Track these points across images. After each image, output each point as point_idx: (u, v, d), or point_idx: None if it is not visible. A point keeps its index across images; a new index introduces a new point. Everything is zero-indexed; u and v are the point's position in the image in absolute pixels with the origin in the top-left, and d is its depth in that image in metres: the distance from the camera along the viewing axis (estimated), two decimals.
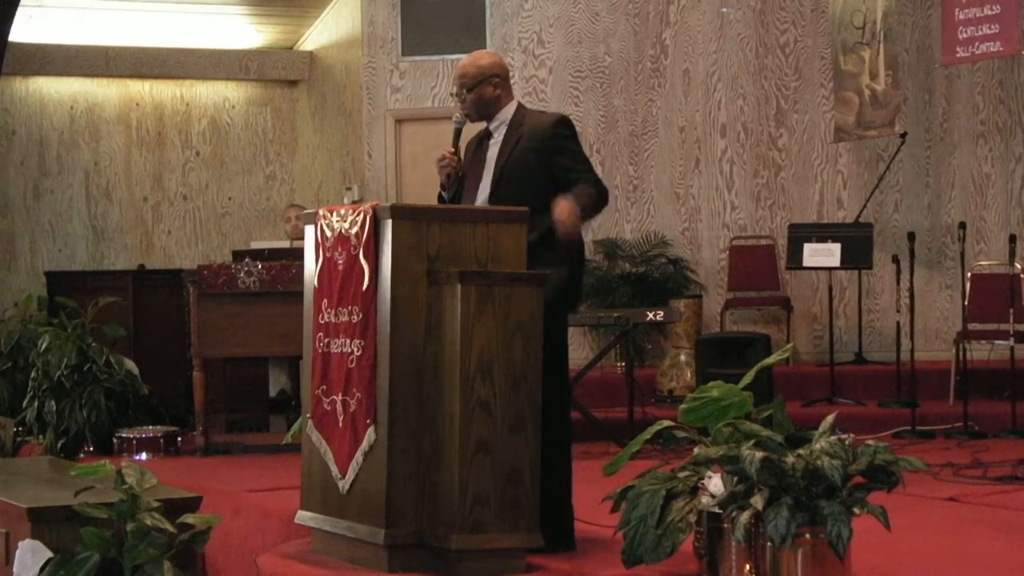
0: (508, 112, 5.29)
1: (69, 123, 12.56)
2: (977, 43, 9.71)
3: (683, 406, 4.47)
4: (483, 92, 5.24)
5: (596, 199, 5.17)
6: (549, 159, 5.17)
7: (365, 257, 4.86)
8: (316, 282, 5.17)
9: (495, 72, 5.27)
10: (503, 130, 5.28)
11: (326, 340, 5.08)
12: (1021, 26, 9.60)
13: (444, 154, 5.27)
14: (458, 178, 5.27)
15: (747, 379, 4.48)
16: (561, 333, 5.24)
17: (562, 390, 5.19)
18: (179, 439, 8.64)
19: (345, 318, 4.96)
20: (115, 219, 12.65)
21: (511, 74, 11.21)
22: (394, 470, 4.75)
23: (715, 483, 4.22)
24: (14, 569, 5.21)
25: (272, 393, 9.65)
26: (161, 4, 12.21)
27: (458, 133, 5.32)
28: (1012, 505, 6.07)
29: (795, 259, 9.98)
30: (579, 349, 10.50)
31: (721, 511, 4.16)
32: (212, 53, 12.83)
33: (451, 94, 5.50)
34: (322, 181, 12.85)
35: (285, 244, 9.62)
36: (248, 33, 12.87)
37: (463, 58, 5.37)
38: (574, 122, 5.37)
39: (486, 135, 5.34)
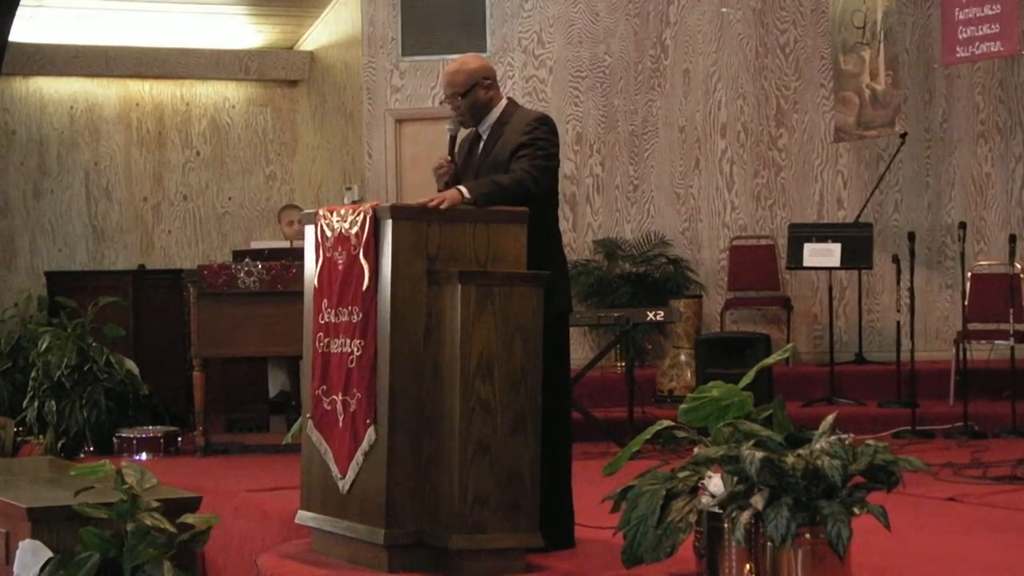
0: (496, 112, 5.30)
1: (69, 123, 12.56)
2: (977, 43, 9.71)
3: (683, 406, 4.47)
4: (476, 96, 5.25)
5: (510, 187, 4.99)
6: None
7: (365, 257, 4.86)
8: (316, 282, 5.17)
9: (485, 75, 5.28)
10: (490, 130, 5.29)
11: (326, 340, 5.08)
12: (1021, 26, 9.60)
13: (441, 163, 5.28)
14: (456, 184, 5.26)
15: (747, 379, 4.48)
16: (562, 333, 5.24)
17: (563, 390, 5.20)
18: (179, 439, 8.65)
19: (345, 318, 4.96)
20: (115, 219, 12.64)
21: (511, 75, 11.31)
22: (394, 470, 4.75)
23: (715, 483, 4.22)
24: (14, 569, 5.22)
25: (272, 393, 9.64)
26: (161, 4, 12.20)
27: (453, 140, 5.33)
28: (1012, 505, 6.07)
29: (795, 259, 9.98)
30: (579, 349, 10.49)
31: (721, 511, 4.16)
32: (212, 53, 12.82)
33: (441, 101, 5.50)
34: (322, 181, 12.84)
35: (285, 244, 9.61)
36: (248, 33, 12.86)
37: (450, 64, 5.38)
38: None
39: (476, 138, 5.34)
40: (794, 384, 9.71)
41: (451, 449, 4.69)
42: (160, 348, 10.32)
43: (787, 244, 10.20)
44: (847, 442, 4.11)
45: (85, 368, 8.63)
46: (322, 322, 5.11)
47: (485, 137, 5.29)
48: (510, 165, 5.11)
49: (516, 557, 4.78)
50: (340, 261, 5.00)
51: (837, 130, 10.74)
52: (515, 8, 11.48)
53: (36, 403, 8.64)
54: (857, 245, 9.76)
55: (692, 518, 4.25)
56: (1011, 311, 8.69)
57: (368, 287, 4.85)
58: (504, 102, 5.33)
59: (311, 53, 13.03)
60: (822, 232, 9.95)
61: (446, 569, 4.73)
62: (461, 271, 4.73)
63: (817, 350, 10.90)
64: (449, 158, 5.29)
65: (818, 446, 4.08)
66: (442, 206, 4.83)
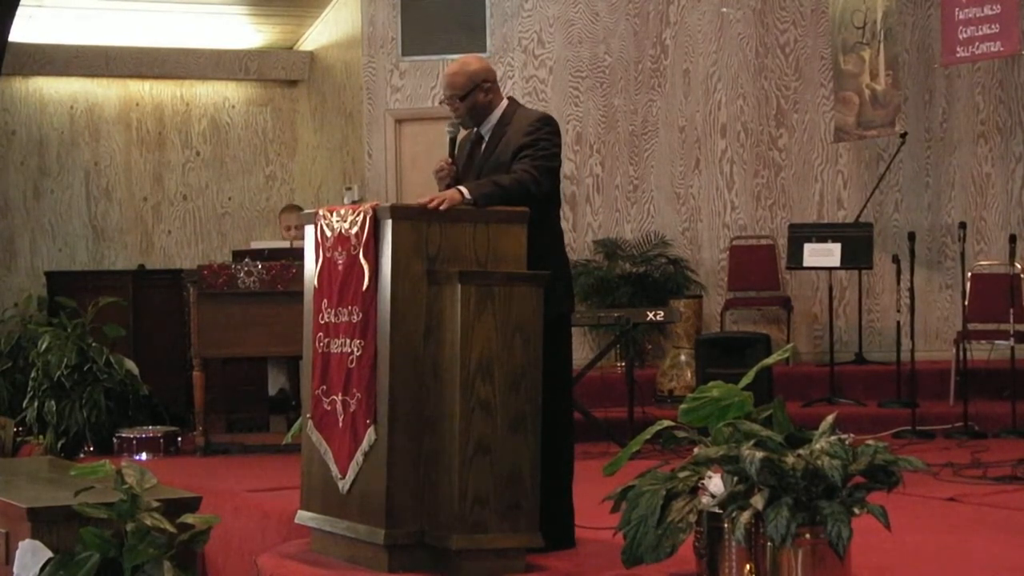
0: (497, 114, 5.29)
1: (69, 123, 12.55)
2: (977, 43, 9.71)
3: (683, 406, 4.48)
4: (476, 99, 5.25)
5: (511, 187, 4.98)
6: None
7: (365, 257, 4.86)
8: (316, 282, 5.17)
9: (485, 77, 5.26)
10: (491, 131, 5.29)
11: (326, 340, 5.08)
12: (1021, 26, 9.60)
13: (441, 165, 5.28)
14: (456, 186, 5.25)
15: (747, 379, 4.48)
16: (563, 332, 5.24)
17: (564, 389, 5.20)
18: (179, 439, 8.64)
19: (345, 318, 4.96)
20: (115, 219, 12.64)
21: (511, 75, 11.30)
22: (394, 470, 4.75)
23: (715, 483, 4.22)
24: (14, 569, 5.21)
25: (272, 393, 9.64)
26: (161, 4, 12.20)
27: (453, 142, 5.33)
28: (1012, 505, 6.07)
29: (795, 259, 9.98)
30: (579, 349, 10.46)
31: (721, 511, 4.16)
32: (212, 53, 12.82)
33: (440, 102, 5.49)
34: (322, 181, 12.84)
35: (285, 244, 9.60)
36: (248, 33, 12.86)
37: (450, 66, 5.36)
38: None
39: (478, 139, 5.34)
40: (794, 384, 9.71)
41: (451, 449, 4.68)
42: (160, 348, 10.32)
43: (787, 244, 10.20)
44: (847, 442, 4.11)
45: (85, 368, 8.62)
46: (322, 322, 5.11)
47: (487, 138, 5.29)
48: (512, 166, 5.10)
49: (516, 557, 4.78)
50: (340, 261, 5.00)
51: (837, 130, 10.73)
52: (515, 8, 11.48)
53: (36, 403, 8.63)
54: (857, 245, 9.76)
55: (692, 518, 4.25)
56: (1011, 311, 8.68)
57: (368, 287, 4.85)
58: (504, 103, 5.32)
59: (311, 53, 13.03)
60: (822, 232, 9.95)
61: (446, 569, 4.73)
62: (461, 271, 4.73)
63: (817, 350, 10.90)
64: (449, 160, 5.29)
65: (818, 446, 4.08)
66: (441, 207, 4.82)
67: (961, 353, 9.14)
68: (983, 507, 6.07)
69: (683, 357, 10.05)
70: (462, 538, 4.66)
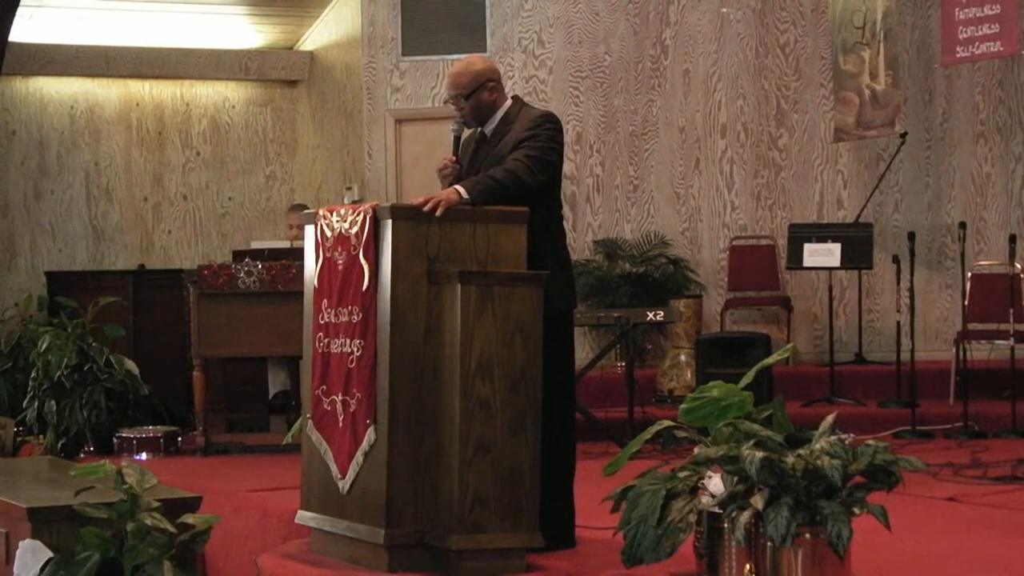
0: (501, 112, 5.30)
1: (69, 123, 12.55)
2: (977, 43, 9.71)
3: (683, 406, 4.48)
4: (480, 98, 5.25)
5: (505, 179, 4.98)
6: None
7: (365, 257, 4.86)
8: (316, 282, 5.17)
9: (489, 77, 5.27)
10: (495, 130, 5.29)
11: (326, 340, 5.08)
12: (1021, 26, 9.60)
13: (445, 163, 5.28)
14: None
15: (747, 379, 4.48)
16: (564, 330, 5.24)
17: (564, 387, 5.20)
18: (179, 439, 8.64)
19: (345, 318, 4.96)
20: (115, 219, 12.64)
21: (511, 75, 11.30)
22: (394, 470, 4.75)
23: (715, 483, 4.22)
24: (14, 569, 5.21)
25: (272, 393, 9.64)
26: (161, 4, 12.20)
27: (457, 140, 5.33)
28: (1012, 505, 6.07)
29: (795, 259, 9.98)
30: (579, 349, 10.41)
31: (721, 511, 4.17)
32: (212, 53, 12.82)
33: (445, 101, 5.49)
34: (322, 181, 12.84)
35: (285, 244, 9.61)
36: (248, 33, 12.86)
37: (455, 65, 5.37)
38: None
39: (481, 138, 5.34)
40: (794, 384, 9.71)
41: (451, 449, 4.69)
42: (160, 348, 10.32)
43: (787, 244, 10.20)
44: (847, 442, 4.11)
45: (85, 368, 8.62)
46: (322, 322, 5.11)
47: (490, 137, 5.29)
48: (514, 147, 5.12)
49: (516, 557, 4.78)
50: (340, 261, 5.00)
51: (837, 130, 10.73)
52: (515, 8, 11.48)
53: (36, 403, 8.63)
54: (857, 245, 9.76)
55: (692, 518, 4.25)
56: (1011, 311, 8.68)
57: (368, 287, 4.85)
58: (509, 102, 5.33)
59: (311, 53, 13.03)
60: (822, 232, 9.95)
61: (446, 569, 4.73)
62: (461, 271, 4.73)
63: (817, 350, 10.90)
64: (453, 158, 5.29)
65: (818, 446, 4.09)
66: (437, 212, 4.80)
67: (961, 353, 9.14)
68: (983, 507, 6.07)
69: (683, 357, 10.05)
70: (462, 538, 4.66)
